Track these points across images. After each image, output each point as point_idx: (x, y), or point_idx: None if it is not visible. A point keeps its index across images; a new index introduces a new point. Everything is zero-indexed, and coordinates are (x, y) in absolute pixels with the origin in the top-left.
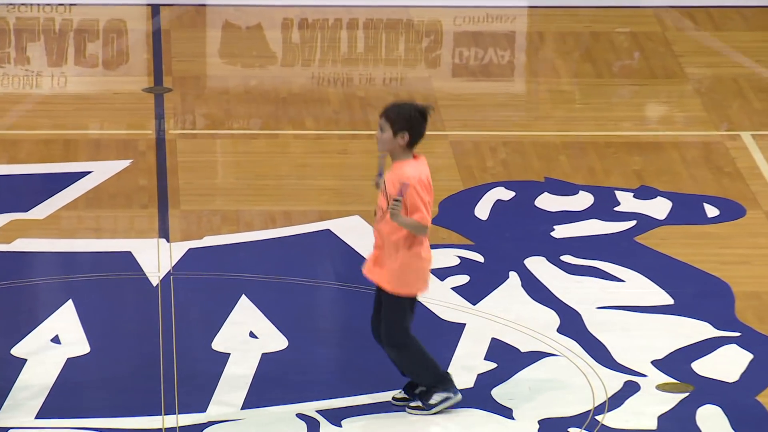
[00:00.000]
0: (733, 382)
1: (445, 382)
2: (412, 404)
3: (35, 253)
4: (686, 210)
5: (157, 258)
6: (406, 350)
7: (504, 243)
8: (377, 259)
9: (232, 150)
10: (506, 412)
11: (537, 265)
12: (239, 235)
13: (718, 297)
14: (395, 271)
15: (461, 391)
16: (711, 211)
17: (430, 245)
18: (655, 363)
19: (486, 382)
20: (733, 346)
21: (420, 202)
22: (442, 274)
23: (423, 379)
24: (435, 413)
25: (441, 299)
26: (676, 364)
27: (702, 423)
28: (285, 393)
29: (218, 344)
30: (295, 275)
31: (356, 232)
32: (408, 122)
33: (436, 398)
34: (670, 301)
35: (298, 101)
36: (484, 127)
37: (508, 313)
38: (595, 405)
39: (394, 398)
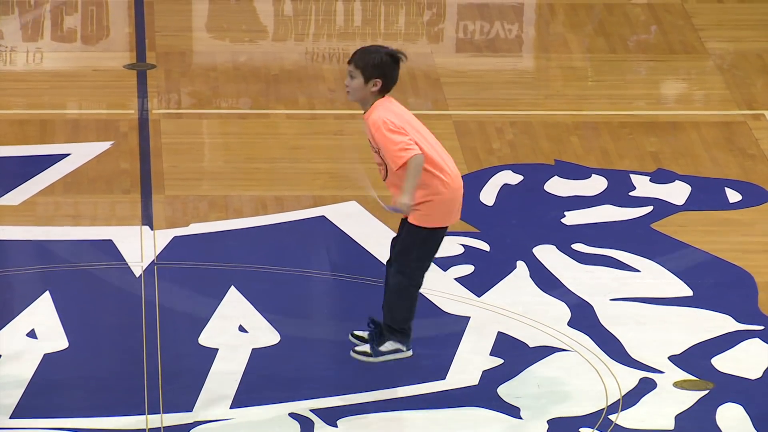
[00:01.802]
0: (756, 379)
1: (404, 334)
2: (359, 348)
3: (9, 241)
4: (706, 195)
5: (140, 247)
6: (406, 282)
7: (511, 230)
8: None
9: (220, 131)
10: (513, 412)
11: (546, 254)
12: (228, 222)
13: (740, 288)
14: (418, 207)
15: (465, 389)
16: (733, 196)
17: None
18: (673, 359)
19: (492, 379)
20: (756, 341)
21: (391, 143)
22: (445, 263)
23: (393, 318)
24: (379, 361)
25: (444, 290)
26: (695, 359)
27: (722, 423)
28: (277, 391)
29: (206, 339)
30: (287, 265)
31: (353, 219)
32: (380, 68)
33: (387, 346)
34: (688, 292)
35: (291, 79)
36: (489, 106)
37: (516, 306)
38: (609, 404)
39: (351, 334)
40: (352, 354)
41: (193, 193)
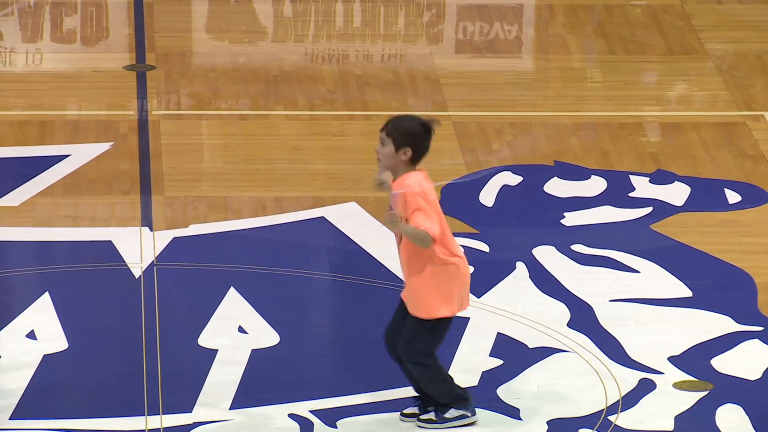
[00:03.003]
0: (756, 380)
1: (463, 401)
2: (424, 417)
3: (9, 242)
4: (706, 196)
5: (139, 248)
6: (426, 368)
7: (511, 231)
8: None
9: (220, 132)
10: (513, 412)
11: (546, 254)
12: (227, 223)
13: (740, 289)
14: (423, 295)
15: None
16: (732, 196)
17: None
18: (672, 359)
19: (491, 380)
20: (756, 342)
21: (425, 204)
22: None
23: (441, 396)
24: (447, 429)
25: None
26: (695, 360)
27: (722, 423)
28: (276, 392)
29: (205, 340)
30: (287, 266)
31: (352, 220)
32: (411, 137)
33: (452, 413)
34: (688, 293)
35: (291, 80)
36: (489, 107)
37: (515, 307)
38: (608, 404)
39: (402, 414)
40: (418, 423)
41: (192, 194)
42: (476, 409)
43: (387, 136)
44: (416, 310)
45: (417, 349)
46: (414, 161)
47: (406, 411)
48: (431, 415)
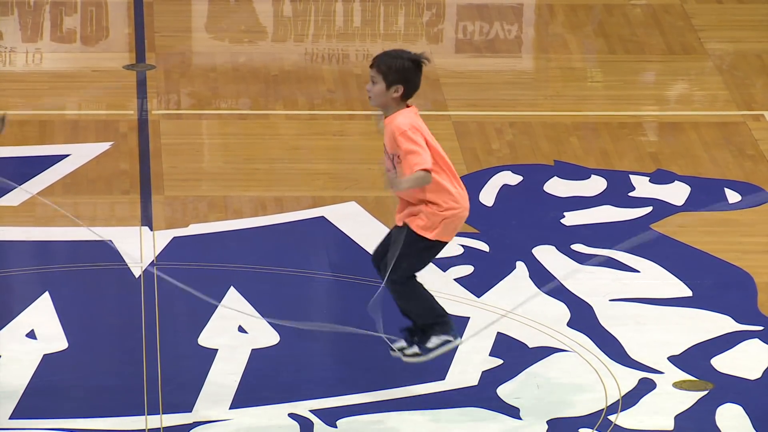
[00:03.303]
0: (756, 380)
1: (444, 324)
2: (409, 351)
3: (9, 242)
4: (706, 195)
5: (139, 247)
6: (405, 288)
7: (511, 231)
8: (404, 209)
9: (220, 132)
10: (513, 412)
11: (546, 254)
12: (227, 222)
13: (740, 288)
14: (426, 217)
15: (464, 389)
16: (732, 196)
17: None
18: (672, 359)
19: (491, 379)
20: (756, 341)
21: (413, 144)
22: (444, 264)
23: (421, 317)
24: (434, 357)
25: (443, 291)
26: (695, 360)
27: (722, 423)
28: (276, 392)
29: (205, 339)
30: (287, 265)
31: (353, 220)
32: (402, 74)
33: (434, 341)
34: (688, 292)
35: (291, 79)
36: (489, 106)
37: (515, 306)
38: (608, 404)
39: (392, 349)
40: (404, 359)
41: (192, 194)
42: (459, 334)
43: (377, 72)
44: (424, 230)
45: (402, 267)
46: (405, 98)
47: (395, 345)
48: (415, 349)
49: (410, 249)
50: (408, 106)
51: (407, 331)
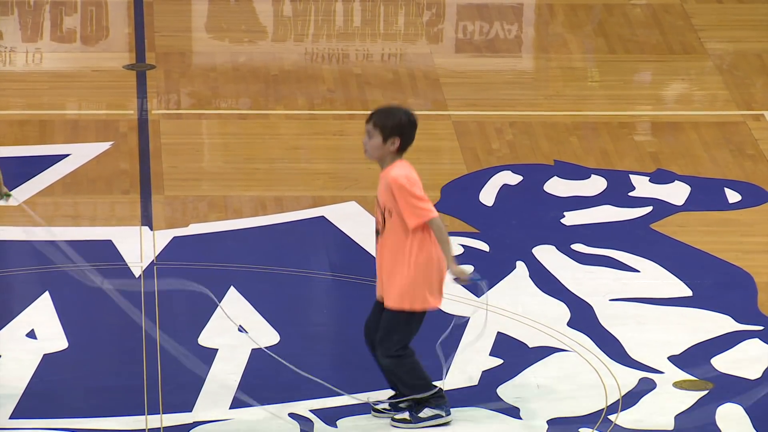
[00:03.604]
0: (756, 380)
1: (438, 398)
2: (398, 417)
3: (9, 241)
4: (706, 195)
5: (139, 247)
6: (402, 361)
7: (511, 231)
8: (380, 275)
9: (220, 131)
10: (513, 412)
11: (546, 254)
12: (227, 222)
13: (740, 288)
14: (404, 286)
15: (464, 389)
16: (732, 196)
17: None
18: (672, 359)
19: (491, 379)
20: (756, 341)
21: (414, 199)
22: None
23: (417, 390)
24: (421, 428)
25: (444, 291)
26: (695, 359)
27: (722, 423)
28: (276, 391)
29: (205, 339)
30: (287, 265)
31: (352, 219)
32: (399, 128)
33: (426, 413)
34: (688, 292)
35: (291, 79)
36: (489, 106)
37: (515, 306)
38: (608, 404)
39: (374, 409)
40: (392, 423)
41: (192, 194)
42: (451, 412)
43: (374, 127)
44: (399, 302)
45: (393, 341)
46: (400, 151)
47: (377, 407)
48: (405, 415)
49: (397, 322)
50: (402, 160)
51: (394, 397)
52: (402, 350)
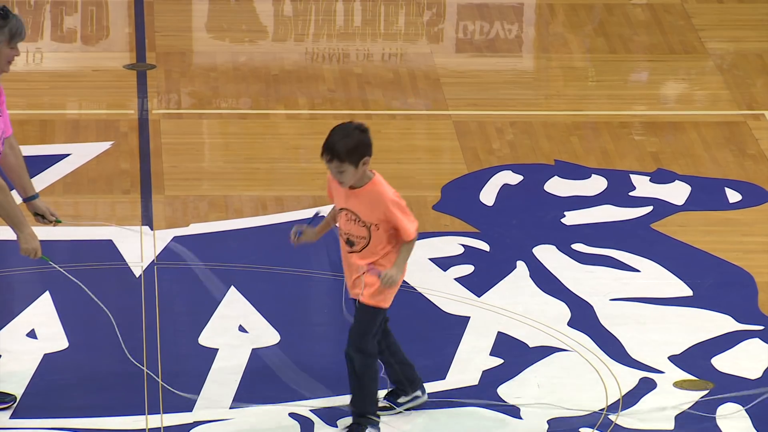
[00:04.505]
0: (756, 379)
1: (373, 422)
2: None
3: (10, 241)
4: (706, 195)
5: (140, 247)
6: (371, 360)
7: (511, 230)
8: (357, 279)
9: (220, 131)
10: (513, 411)
11: (546, 254)
12: (228, 222)
13: (740, 288)
14: (379, 286)
15: (465, 389)
16: (733, 196)
17: (432, 233)
18: (673, 358)
19: (492, 379)
20: (756, 341)
21: (407, 218)
22: (445, 263)
23: (365, 405)
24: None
25: (444, 291)
26: (695, 359)
27: (722, 422)
28: (277, 391)
29: (205, 339)
30: (287, 265)
31: None
32: (363, 147)
33: None
34: (688, 292)
35: (291, 79)
36: (489, 106)
37: (516, 306)
38: (609, 403)
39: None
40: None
41: (193, 193)
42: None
43: (342, 162)
44: (375, 297)
45: (368, 337)
46: (366, 164)
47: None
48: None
49: (371, 320)
50: (374, 174)
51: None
52: (373, 344)
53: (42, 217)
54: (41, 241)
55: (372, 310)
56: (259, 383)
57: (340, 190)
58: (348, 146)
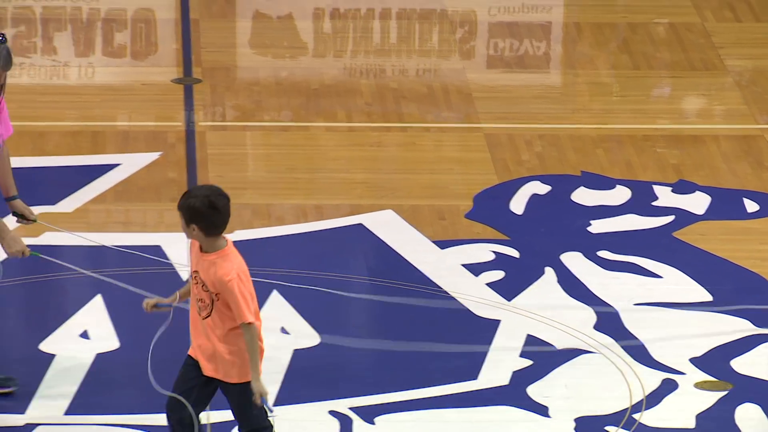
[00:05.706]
0: None
1: None
2: None
3: (63, 246)
4: (725, 205)
5: (187, 251)
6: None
7: (540, 238)
8: (211, 353)
9: (263, 142)
10: (542, 410)
11: (573, 260)
12: (270, 229)
13: (758, 293)
14: (244, 359)
15: (496, 389)
16: (751, 206)
17: (465, 240)
18: (694, 360)
19: (521, 379)
20: None
21: (244, 300)
22: (477, 269)
23: None
24: None
25: (476, 295)
26: (715, 361)
27: (741, 422)
28: (317, 390)
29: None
30: (327, 270)
31: (389, 227)
32: (195, 213)
33: None
34: (708, 297)
35: (330, 93)
36: (519, 119)
37: (544, 310)
38: (633, 403)
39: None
40: None
41: (237, 202)
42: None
43: (179, 209)
44: (238, 375)
45: (252, 414)
46: (209, 234)
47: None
48: None
49: (247, 397)
50: (224, 239)
51: None
52: (263, 417)
53: (22, 217)
54: (92, 246)
55: (244, 387)
56: (300, 383)
57: (193, 251)
58: (183, 202)
